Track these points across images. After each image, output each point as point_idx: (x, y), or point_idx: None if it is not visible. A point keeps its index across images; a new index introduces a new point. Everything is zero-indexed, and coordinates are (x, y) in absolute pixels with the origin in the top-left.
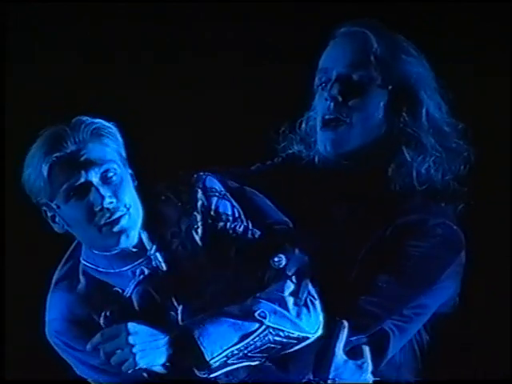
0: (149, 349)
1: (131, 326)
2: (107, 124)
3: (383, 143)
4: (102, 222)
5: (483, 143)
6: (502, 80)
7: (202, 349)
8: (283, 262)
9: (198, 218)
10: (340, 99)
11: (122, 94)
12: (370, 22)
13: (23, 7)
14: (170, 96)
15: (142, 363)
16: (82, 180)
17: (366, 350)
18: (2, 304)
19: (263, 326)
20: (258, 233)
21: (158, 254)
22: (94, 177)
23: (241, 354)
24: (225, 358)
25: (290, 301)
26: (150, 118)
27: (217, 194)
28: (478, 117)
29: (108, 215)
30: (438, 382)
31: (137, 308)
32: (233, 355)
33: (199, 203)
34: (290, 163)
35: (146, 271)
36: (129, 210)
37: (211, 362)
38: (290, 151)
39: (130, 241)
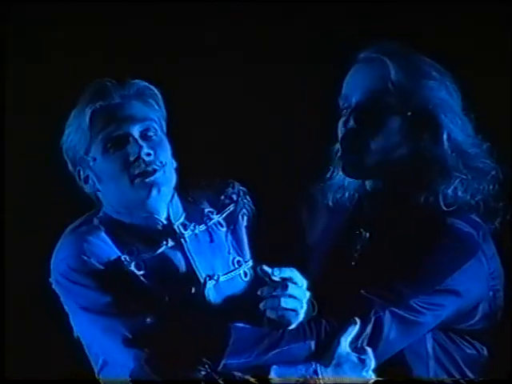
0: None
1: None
2: (152, 87)
3: (406, 169)
4: (136, 172)
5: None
6: None
7: None
8: None
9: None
10: (357, 127)
11: None
12: (390, 47)
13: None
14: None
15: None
16: (122, 132)
17: (369, 350)
18: (1, 304)
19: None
20: None
21: (181, 227)
22: (135, 131)
23: None
24: None
25: None
26: None
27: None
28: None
29: (143, 166)
30: (439, 381)
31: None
32: None
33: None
34: None
35: (171, 243)
36: (164, 167)
37: None
38: None
39: (160, 198)
